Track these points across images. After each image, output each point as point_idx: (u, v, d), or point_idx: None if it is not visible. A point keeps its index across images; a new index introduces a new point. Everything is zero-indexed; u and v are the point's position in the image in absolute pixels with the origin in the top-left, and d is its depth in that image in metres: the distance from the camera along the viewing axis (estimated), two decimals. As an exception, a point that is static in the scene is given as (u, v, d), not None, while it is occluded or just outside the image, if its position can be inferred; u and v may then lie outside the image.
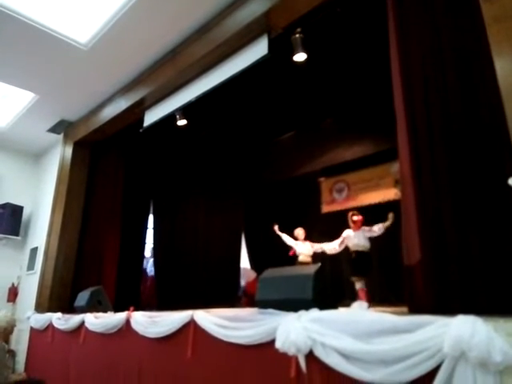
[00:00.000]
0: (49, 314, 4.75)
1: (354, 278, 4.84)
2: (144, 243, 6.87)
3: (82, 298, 4.46)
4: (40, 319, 4.92)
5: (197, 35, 4.14)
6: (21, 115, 5.81)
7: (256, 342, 2.12)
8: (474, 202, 2.29)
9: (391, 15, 3.00)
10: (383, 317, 1.65)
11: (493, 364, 1.22)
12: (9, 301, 6.22)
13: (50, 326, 4.58)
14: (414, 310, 2.41)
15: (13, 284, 6.33)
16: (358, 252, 4.96)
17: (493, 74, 2.10)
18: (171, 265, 7.00)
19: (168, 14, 3.92)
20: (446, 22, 2.65)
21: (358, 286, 4.82)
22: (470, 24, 2.46)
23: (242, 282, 7.76)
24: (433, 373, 1.35)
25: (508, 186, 1.82)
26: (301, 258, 5.53)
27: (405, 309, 2.62)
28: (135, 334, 3.14)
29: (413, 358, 1.40)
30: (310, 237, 6.24)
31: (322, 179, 7.61)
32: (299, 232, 5.73)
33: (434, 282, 2.32)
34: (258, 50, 3.80)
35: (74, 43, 4.30)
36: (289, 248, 5.84)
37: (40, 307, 5.39)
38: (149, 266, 7.32)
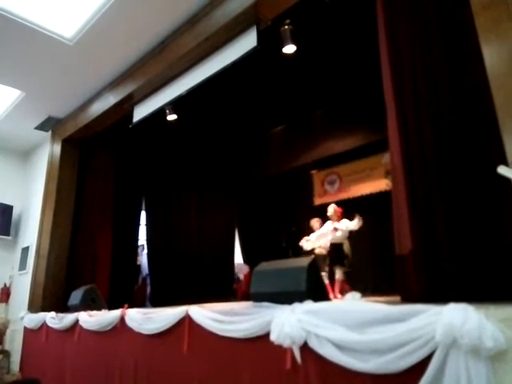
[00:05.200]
0: (42, 314, 4.72)
1: (334, 268, 4.90)
2: (137, 240, 6.84)
3: (76, 296, 4.43)
4: (34, 319, 4.88)
5: (185, 27, 4.08)
6: (7, 113, 5.71)
7: (251, 336, 2.12)
8: (463, 191, 2.31)
9: (379, 5, 2.99)
10: (376, 307, 1.66)
11: (484, 350, 1.24)
12: (1, 301, 6.17)
13: (43, 326, 4.55)
14: (407, 299, 2.44)
15: (5, 284, 6.27)
16: (334, 244, 5.01)
17: (481, 63, 2.11)
18: (165, 261, 6.98)
19: (155, 6, 3.85)
20: (434, 10, 2.65)
21: (337, 276, 4.85)
22: (458, 12, 2.46)
23: (241, 276, 7.77)
24: (426, 361, 1.37)
25: (497, 174, 1.83)
26: (317, 251, 5.33)
27: (397, 298, 2.65)
28: (130, 330, 3.13)
29: (406, 346, 1.41)
30: (302, 229, 6.24)
31: (313, 172, 7.63)
32: (315, 224, 5.51)
33: (425, 271, 2.34)
34: (248, 42, 3.76)
35: (59, 38, 4.21)
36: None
37: (33, 307, 5.34)
38: (143, 262, 7.30)
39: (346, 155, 6.86)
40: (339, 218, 5.08)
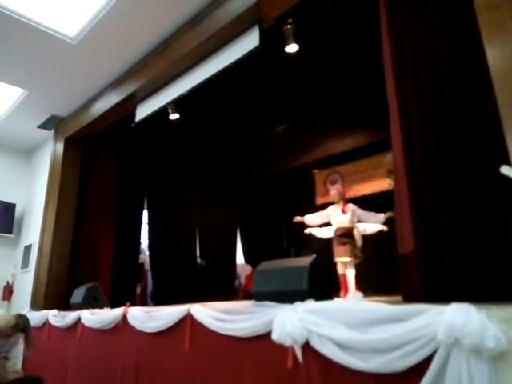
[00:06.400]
0: (45, 312, 4.73)
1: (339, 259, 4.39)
2: (139, 239, 6.84)
3: (78, 294, 4.44)
4: (36, 317, 4.89)
5: (187, 27, 4.09)
6: (10, 111, 5.73)
7: (253, 334, 2.12)
8: (466, 190, 2.30)
9: (382, 5, 2.99)
10: (378, 306, 1.67)
11: (486, 350, 1.24)
12: (4, 299, 6.20)
13: (46, 324, 4.57)
14: (409, 298, 2.43)
15: (7, 282, 6.30)
16: (341, 229, 4.49)
17: (484, 63, 2.10)
18: (167, 259, 6.99)
19: (158, 5, 3.86)
20: (437, 10, 2.64)
21: (350, 272, 4.37)
22: (461, 12, 2.45)
23: (242, 279, 7.77)
24: (427, 360, 1.37)
25: (500, 174, 1.83)
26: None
27: (399, 298, 2.64)
28: (132, 329, 3.14)
29: (407, 346, 1.41)
30: (304, 228, 6.22)
31: (316, 171, 7.62)
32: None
33: (427, 270, 2.34)
34: (250, 41, 3.76)
35: (62, 37, 4.23)
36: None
37: (35, 305, 5.37)
38: (145, 261, 7.31)
39: (348, 155, 6.85)
40: (345, 202, 4.62)
